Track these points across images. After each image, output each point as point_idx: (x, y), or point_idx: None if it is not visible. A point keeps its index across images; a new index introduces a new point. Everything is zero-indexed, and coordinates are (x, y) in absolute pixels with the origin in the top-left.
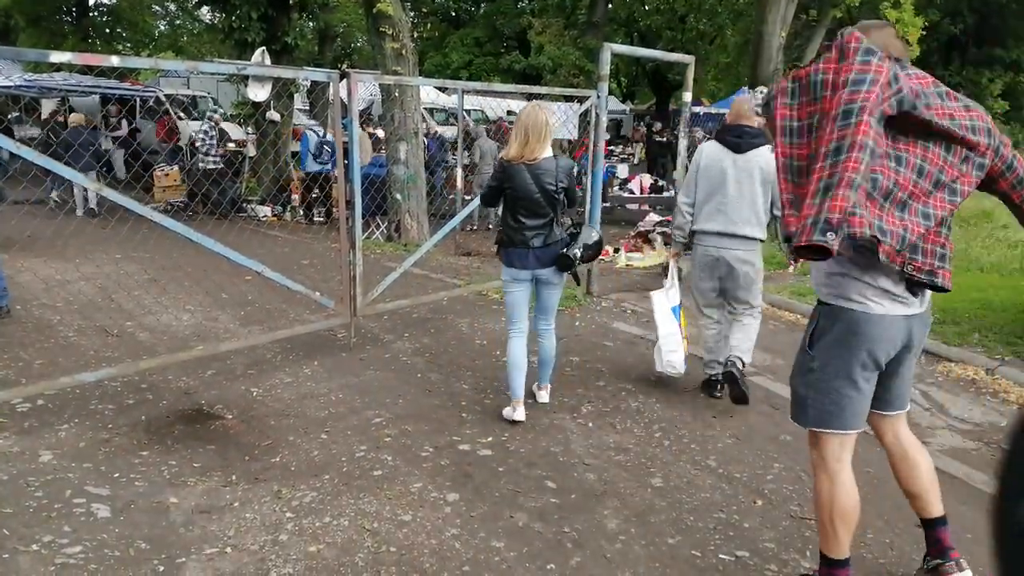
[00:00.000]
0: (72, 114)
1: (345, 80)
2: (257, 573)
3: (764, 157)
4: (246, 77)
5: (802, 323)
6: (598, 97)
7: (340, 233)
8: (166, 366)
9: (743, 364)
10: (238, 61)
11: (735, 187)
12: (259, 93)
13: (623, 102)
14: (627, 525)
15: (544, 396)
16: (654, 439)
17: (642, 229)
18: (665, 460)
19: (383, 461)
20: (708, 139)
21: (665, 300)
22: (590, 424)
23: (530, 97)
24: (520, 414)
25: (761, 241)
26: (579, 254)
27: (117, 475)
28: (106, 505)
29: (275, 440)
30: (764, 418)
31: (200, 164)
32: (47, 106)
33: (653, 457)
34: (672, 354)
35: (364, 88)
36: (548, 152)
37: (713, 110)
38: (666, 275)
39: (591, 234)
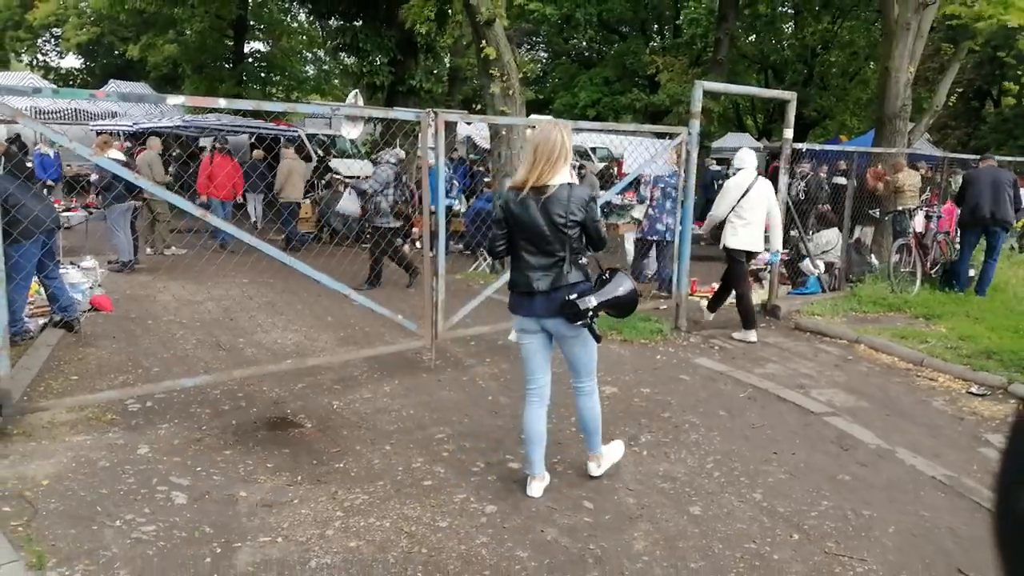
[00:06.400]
0: (255, 151)
1: (434, 119)
2: (300, 561)
3: None
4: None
5: (899, 366)
6: (689, 134)
7: (424, 263)
8: (262, 377)
9: None
10: (334, 102)
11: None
12: (351, 131)
13: (758, 139)
14: (653, 548)
15: (594, 468)
16: (704, 470)
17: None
18: (710, 491)
19: (435, 473)
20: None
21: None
22: (644, 453)
23: (661, 133)
24: (535, 489)
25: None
26: (594, 304)
27: (199, 469)
28: (184, 494)
29: (343, 448)
30: (828, 458)
31: None
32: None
33: (699, 487)
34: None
35: (475, 128)
36: (562, 178)
37: (834, 147)
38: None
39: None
